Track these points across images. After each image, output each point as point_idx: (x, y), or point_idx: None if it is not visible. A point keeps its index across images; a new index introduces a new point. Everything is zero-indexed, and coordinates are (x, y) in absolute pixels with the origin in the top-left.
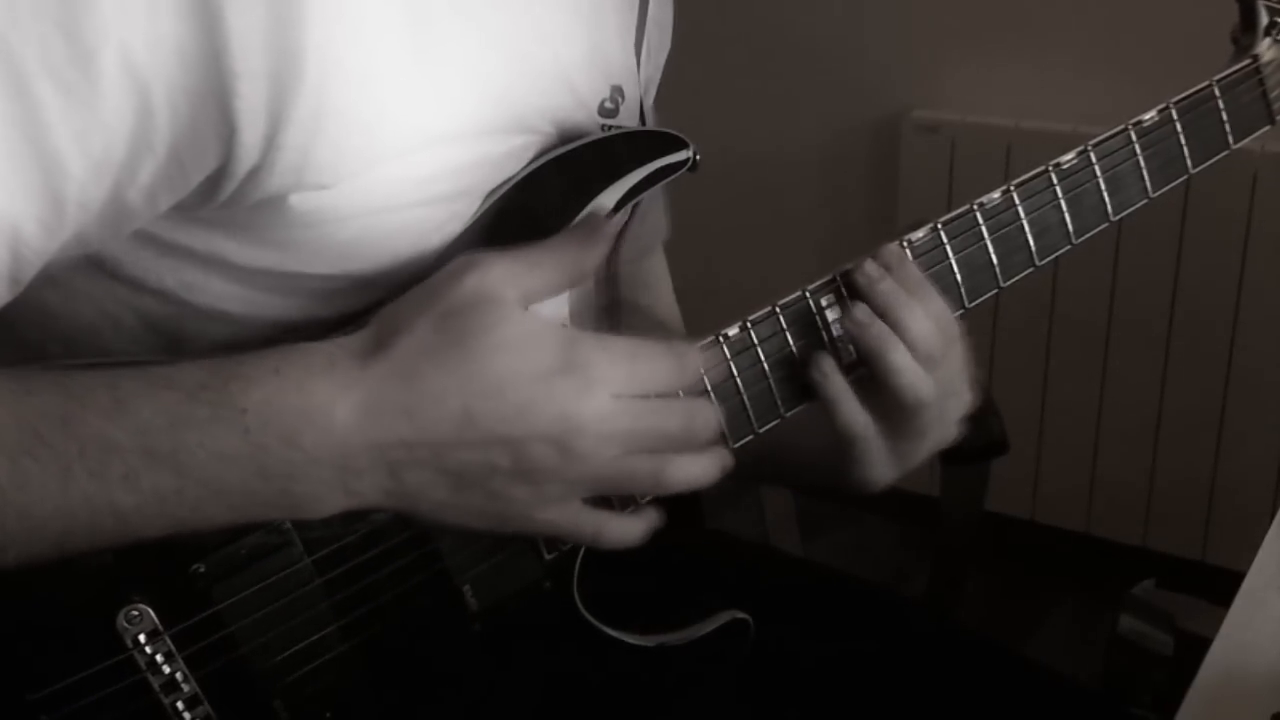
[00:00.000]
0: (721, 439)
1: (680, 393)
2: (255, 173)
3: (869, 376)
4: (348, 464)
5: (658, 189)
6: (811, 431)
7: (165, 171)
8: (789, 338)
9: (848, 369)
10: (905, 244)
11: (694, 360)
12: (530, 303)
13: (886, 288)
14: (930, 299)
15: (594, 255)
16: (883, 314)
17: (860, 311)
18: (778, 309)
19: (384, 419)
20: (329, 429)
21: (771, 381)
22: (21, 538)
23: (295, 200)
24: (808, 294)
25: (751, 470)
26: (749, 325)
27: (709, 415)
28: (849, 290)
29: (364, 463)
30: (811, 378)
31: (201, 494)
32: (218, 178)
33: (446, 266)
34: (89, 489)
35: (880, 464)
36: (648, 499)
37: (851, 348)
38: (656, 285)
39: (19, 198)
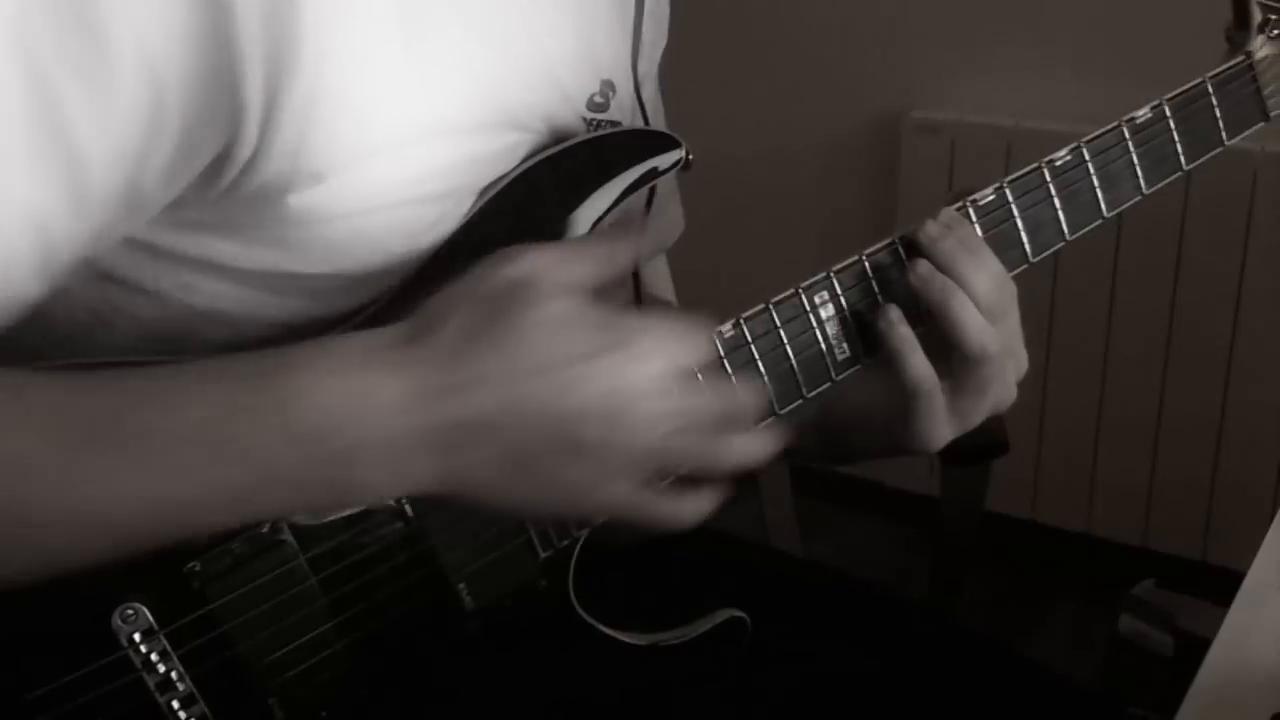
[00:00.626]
0: (769, 415)
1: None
2: (253, 158)
3: (930, 334)
4: (397, 448)
5: (672, 182)
6: (867, 394)
7: (177, 155)
8: (782, 335)
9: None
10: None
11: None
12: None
13: (948, 245)
14: (989, 258)
15: (625, 253)
16: (946, 270)
17: (922, 266)
18: (770, 306)
19: (432, 402)
20: (377, 413)
21: (768, 380)
22: (80, 537)
23: (289, 198)
24: (800, 290)
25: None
26: (741, 322)
27: (751, 395)
28: (908, 251)
29: (414, 446)
30: (878, 328)
31: (253, 484)
32: (221, 161)
33: (481, 261)
34: (143, 484)
35: (941, 421)
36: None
37: (845, 346)
38: (657, 283)
39: (43, 188)
